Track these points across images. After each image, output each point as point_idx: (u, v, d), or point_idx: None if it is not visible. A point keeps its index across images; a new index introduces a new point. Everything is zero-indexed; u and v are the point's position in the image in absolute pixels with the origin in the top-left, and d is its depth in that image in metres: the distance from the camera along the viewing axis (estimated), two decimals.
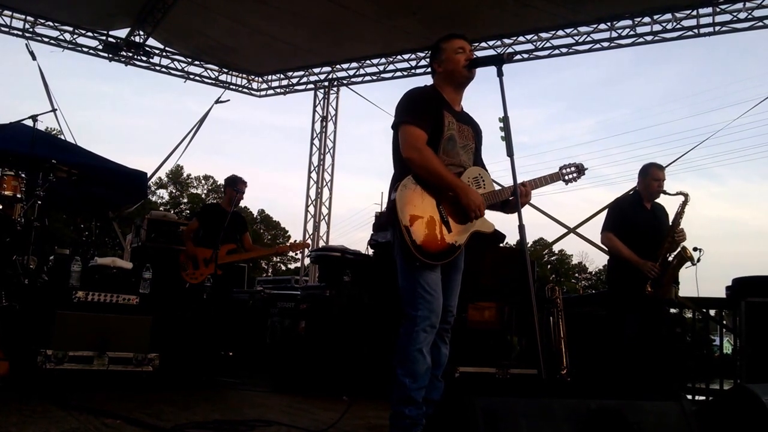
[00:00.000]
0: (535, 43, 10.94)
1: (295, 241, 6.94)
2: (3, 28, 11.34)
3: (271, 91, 14.04)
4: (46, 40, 11.73)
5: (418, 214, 3.10)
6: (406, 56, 12.16)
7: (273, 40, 11.51)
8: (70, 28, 11.80)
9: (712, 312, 7.09)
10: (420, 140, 3.16)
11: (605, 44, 10.47)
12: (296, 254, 13.91)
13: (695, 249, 5.08)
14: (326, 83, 13.53)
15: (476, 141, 3.48)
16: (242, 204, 6.49)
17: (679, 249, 5.09)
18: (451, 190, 3.16)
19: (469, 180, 3.32)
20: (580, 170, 3.58)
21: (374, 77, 12.86)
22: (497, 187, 3.42)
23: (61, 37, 11.83)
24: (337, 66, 13.09)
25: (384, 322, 5.49)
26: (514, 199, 3.28)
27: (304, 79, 13.62)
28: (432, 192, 3.17)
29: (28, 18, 11.43)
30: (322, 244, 12.95)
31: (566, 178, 3.56)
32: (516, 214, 3.03)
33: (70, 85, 58.95)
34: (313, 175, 13.58)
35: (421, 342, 3.08)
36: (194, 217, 6.62)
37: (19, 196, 5.57)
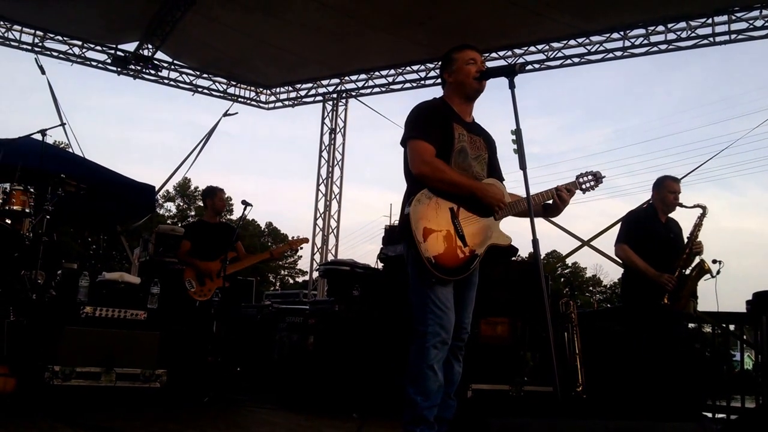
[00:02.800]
0: (546, 53, 10.86)
1: (293, 237, 6.75)
2: (13, 43, 11.40)
3: (279, 104, 14.04)
4: (56, 54, 11.78)
5: (433, 228, 3.05)
6: (415, 67, 12.12)
7: (281, 51, 11.52)
8: (79, 42, 11.86)
9: (731, 327, 6.98)
10: (428, 153, 3.13)
11: (618, 53, 10.36)
12: (304, 262, 13.78)
13: (714, 261, 5.01)
14: (335, 95, 13.50)
15: (489, 151, 3.42)
16: (250, 216, 6.42)
17: (697, 261, 5.00)
18: (469, 192, 3.12)
19: None
20: (597, 178, 3.49)
21: (383, 89, 12.83)
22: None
23: (70, 51, 11.89)
24: (346, 78, 13.07)
25: (394, 338, 5.42)
26: (553, 202, 3.30)
27: (313, 91, 13.61)
28: (446, 204, 3.11)
29: (38, 32, 11.49)
30: (330, 257, 12.88)
31: (583, 187, 3.47)
32: (529, 227, 2.99)
33: (78, 98, 59.37)
34: (322, 187, 13.54)
35: (432, 359, 3.02)
36: (183, 239, 6.52)
37: (27, 210, 5.53)
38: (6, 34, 11.29)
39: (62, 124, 7.89)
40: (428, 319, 3.04)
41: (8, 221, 5.34)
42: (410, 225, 3.02)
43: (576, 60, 10.78)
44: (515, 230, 3.41)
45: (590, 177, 3.48)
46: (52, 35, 11.60)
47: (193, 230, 6.70)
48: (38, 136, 6.14)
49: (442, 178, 3.10)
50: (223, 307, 6.12)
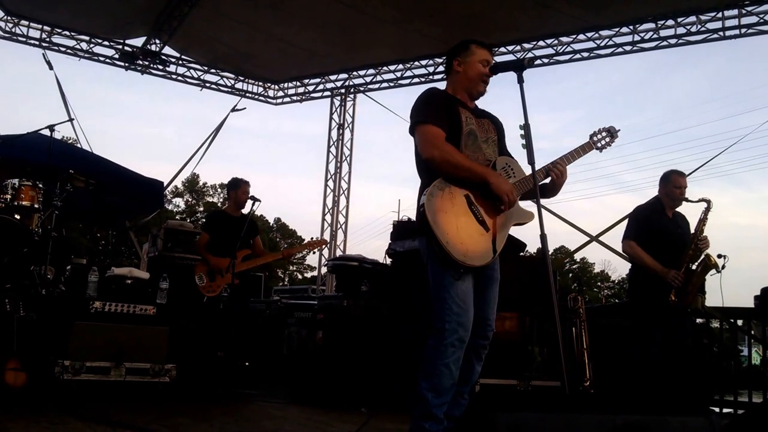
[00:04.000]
0: (555, 48, 10.79)
1: (312, 238, 6.70)
2: (20, 38, 11.43)
3: (287, 99, 14.02)
4: (63, 49, 11.80)
5: (451, 219, 2.98)
6: (423, 62, 12.09)
7: (289, 46, 11.50)
8: (87, 38, 11.87)
9: (739, 322, 6.95)
10: (438, 138, 3.07)
11: (628, 48, 10.28)
12: (312, 257, 13.79)
13: (720, 256, 4.98)
14: (343, 90, 13.49)
15: (498, 133, 3.37)
16: (258, 212, 6.39)
17: (703, 257, 4.98)
18: (478, 179, 3.05)
19: (498, 171, 3.21)
20: (612, 133, 3.43)
21: (391, 84, 12.79)
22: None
23: (77, 46, 11.90)
24: (354, 73, 13.04)
25: (402, 333, 5.42)
26: (550, 181, 3.25)
27: (321, 87, 13.59)
28: (462, 191, 3.05)
29: (45, 27, 11.50)
30: (339, 253, 12.90)
31: (599, 145, 3.41)
32: (538, 223, 2.95)
33: (86, 94, 59.47)
34: (330, 183, 13.54)
35: (449, 357, 2.96)
36: (202, 230, 6.50)
37: (36, 206, 5.57)
38: (14, 30, 11.32)
39: (70, 120, 7.86)
40: (446, 316, 2.98)
41: (17, 217, 5.37)
42: (427, 219, 2.95)
43: (585, 54, 10.70)
44: (524, 226, 3.37)
45: (604, 134, 3.41)
46: (59, 30, 11.62)
47: (213, 222, 6.69)
48: (46, 132, 6.14)
49: (453, 161, 3.03)
50: (232, 303, 6.14)
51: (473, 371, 3.19)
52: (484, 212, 3.08)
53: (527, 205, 3.29)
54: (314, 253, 6.85)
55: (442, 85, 3.44)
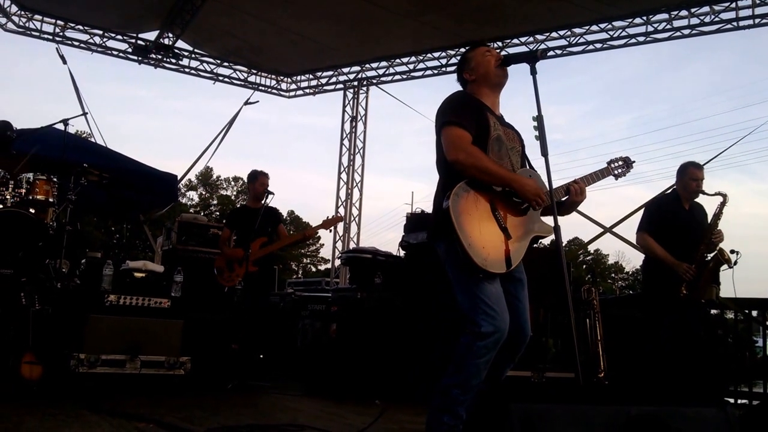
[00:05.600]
0: (568, 39, 10.72)
1: (328, 217, 6.51)
2: (34, 33, 11.51)
3: (300, 92, 14.04)
4: (76, 43, 11.88)
5: (475, 223, 2.93)
6: (436, 54, 12.04)
7: (302, 39, 11.50)
8: (100, 32, 11.94)
9: (754, 313, 6.91)
10: (465, 140, 3.02)
11: (641, 39, 10.20)
12: (325, 250, 13.79)
13: (732, 252, 4.94)
14: (355, 83, 13.48)
15: (521, 145, 3.35)
16: (272, 205, 6.41)
17: (716, 251, 4.94)
18: (505, 184, 3.01)
19: None
20: (627, 164, 3.47)
21: (404, 76, 12.77)
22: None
23: (90, 40, 11.97)
24: (367, 65, 13.03)
25: (416, 325, 5.42)
26: (568, 198, 3.22)
27: (333, 79, 13.60)
28: (486, 196, 3.01)
29: (58, 22, 11.58)
30: (352, 245, 12.90)
31: (616, 172, 3.45)
32: (551, 215, 2.94)
33: (100, 88, 59.86)
34: (343, 175, 13.54)
35: (481, 357, 2.89)
36: (224, 226, 6.55)
37: (51, 200, 5.60)
38: (27, 24, 11.41)
39: (84, 114, 7.89)
40: (480, 319, 2.90)
41: (32, 211, 5.41)
42: (451, 220, 2.89)
43: (598, 46, 10.65)
44: None
45: (621, 162, 3.47)
46: (72, 25, 11.68)
47: (234, 217, 6.73)
48: (60, 126, 6.18)
49: (479, 165, 2.97)
50: (248, 294, 6.16)
51: (502, 373, 3.15)
52: (507, 220, 3.04)
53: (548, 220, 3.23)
54: (330, 231, 6.77)
55: (454, 78, 3.42)
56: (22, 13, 11.29)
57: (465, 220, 2.91)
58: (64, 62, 11.54)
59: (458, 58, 3.45)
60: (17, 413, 3.65)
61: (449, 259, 3.01)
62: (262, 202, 6.38)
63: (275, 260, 7.45)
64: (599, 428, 2.46)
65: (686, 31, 9.82)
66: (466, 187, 2.98)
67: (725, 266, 4.94)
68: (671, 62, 78.22)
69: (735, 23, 9.41)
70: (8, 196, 5.39)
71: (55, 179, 5.69)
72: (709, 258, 4.95)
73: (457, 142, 3.02)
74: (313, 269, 47.18)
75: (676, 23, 9.81)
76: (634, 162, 3.50)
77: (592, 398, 2.72)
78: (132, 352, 4.92)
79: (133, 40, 12.11)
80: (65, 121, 6.13)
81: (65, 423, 3.51)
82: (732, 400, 6.26)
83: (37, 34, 11.52)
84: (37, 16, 11.41)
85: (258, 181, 6.48)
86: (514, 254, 3.02)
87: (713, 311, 6.50)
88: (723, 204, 4.99)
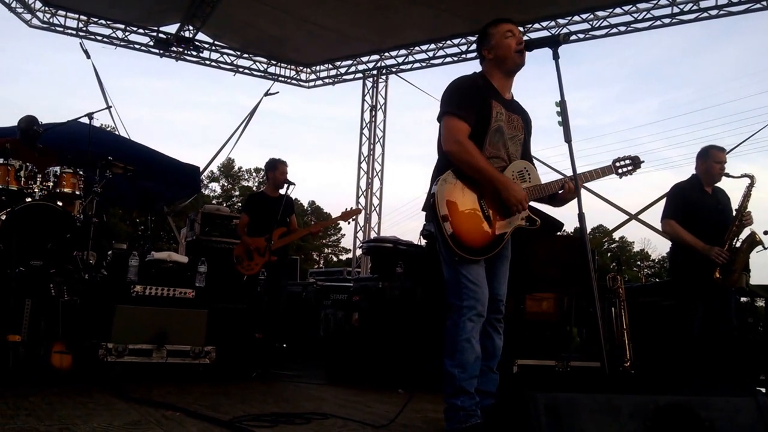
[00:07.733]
0: (591, 23, 10.57)
1: (346, 209, 6.55)
2: (58, 28, 11.65)
3: (319, 82, 14.04)
4: (99, 38, 11.99)
5: (458, 208, 3.06)
6: (455, 41, 11.97)
7: (320, 29, 11.49)
8: (122, 26, 12.03)
9: None
10: (461, 133, 3.09)
11: (666, 21, 9.99)
12: (347, 240, 13.79)
13: (766, 233, 4.86)
14: (374, 72, 13.43)
15: (525, 132, 3.37)
16: (293, 195, 6.43)
17: (748, 233, 4.86)
18: (491, 185, 3.08)
19: (514, 174, 3.23)
20: (635, 163, 3.45)
21: (423, 64, 12.71)
22: (544, 181, 3.32)
23: (113, 34, 12.07)
24: (385, 54, 12.98)
25: (436, 314, 5.41)
26: (562, 192, 3.26)
27: (353, 68, 13.57)
28: (473, 186, 3.10)
29: (82, 17, 11.70)
30: (373, 234, 12.91)
31: (620, 171, 3.44)
32: (575, 201, 2.95)
33: (123, 82, 60.24)
34: (363, 165, 13.52)
35: (468, 331, 3.05)
36: (242, 211, 6.58)
37: (78, 192, 5.68)
38: (51, 20, 11.53)
39: (108, 108, 8.01)
40: (463, 293, 3.06)
41: (60, 203, 5.48)
42: (437, 205, 3.03)
43: (622, 29, 10.47)
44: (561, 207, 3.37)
45: (628, 161, 3.44)
46: (95, 19, 11.78)
47: (252, 203, 6.76)
48: (85, 120, 6.25)
49: (469, 161, 3.06)
50: (270, 282, 6.20)
51: (495, 345, 3.27)
52: (492, 209, 3.13)
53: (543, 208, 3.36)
54: (349, 223, 6.77)
55: (475, 65, 3.40)
56: (46, 9, 11.42)
57: (449, 206, 3.04)
58: (88, 57, 11.68)
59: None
60: (49, 401, 3.71)
61: (438, 239, 3.13)
62: (281, 191, 6.40)
63: (296, 251, 7.50)
64: (626, 417, 2.43)
65: (713, 12, 9.60)
66: (454, 176, 3.09)
67: (759, 248, 4.87)
68: (698, 44, 76.97)
69: (764, 2, 9.16)
70: (36, 190, 5.47)
71: (81, 172, 5.76)
72: (740, 241, 4.87)
73: (454, 134, 3.10)
74: (335, 259, 47.31)
75: (703, 4, 9.60)
76: (643, 162, 3.48)
77: (619, 387, 2.69)
78: (158, 341, 4.98)
79: (155, 34, 12.19)
80: (90, 115, 6.20)
81: (95, 411, 3.55)
82: (764, 390, 6.18)
83: (61, 29, 11.66)
84: (60, 12, 11.53)
85: (278, 170, 6.50)
86: (493, 242, 3.13)
87: (744, 299, 6.40)
88: (751, 185, 4.91)
